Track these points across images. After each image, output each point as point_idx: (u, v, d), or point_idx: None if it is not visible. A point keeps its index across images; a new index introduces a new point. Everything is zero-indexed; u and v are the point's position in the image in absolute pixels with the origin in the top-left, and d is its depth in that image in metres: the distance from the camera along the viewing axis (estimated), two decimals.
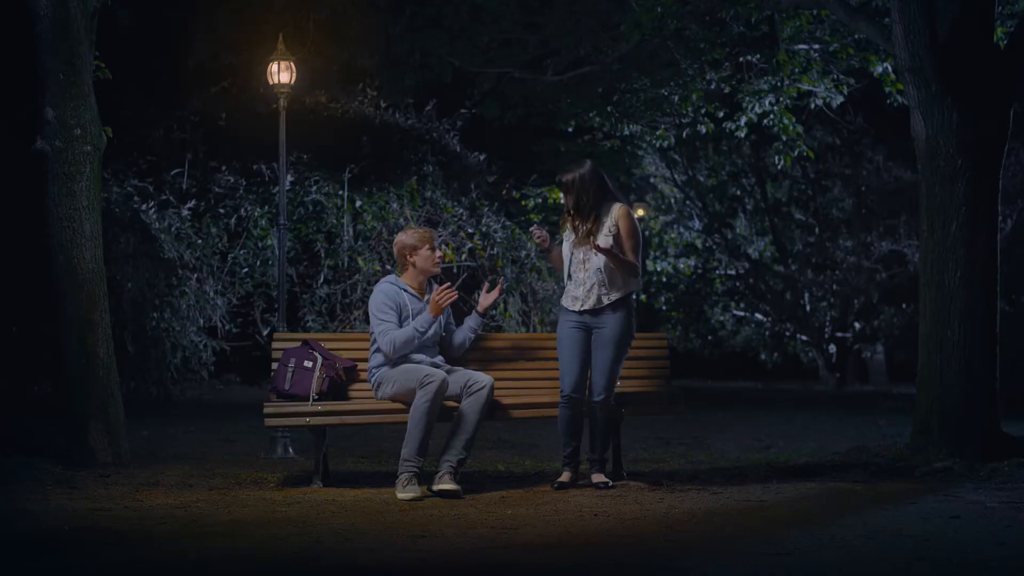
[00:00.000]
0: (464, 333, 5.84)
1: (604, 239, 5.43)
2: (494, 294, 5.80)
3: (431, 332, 5.63)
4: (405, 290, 5.69)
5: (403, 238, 5.76)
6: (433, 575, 3.60)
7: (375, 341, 5.62)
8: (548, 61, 10.55)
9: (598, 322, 5.47)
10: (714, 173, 20.36)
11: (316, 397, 5.52)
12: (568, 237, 5.61)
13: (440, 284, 5.81)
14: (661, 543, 4.06)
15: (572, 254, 5.56)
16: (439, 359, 5.71)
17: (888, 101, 10.32)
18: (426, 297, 5.72)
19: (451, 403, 5.49)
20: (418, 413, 5.34)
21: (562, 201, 5.62)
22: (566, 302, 5.56)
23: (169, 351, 10.63)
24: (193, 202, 11.45)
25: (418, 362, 5.57)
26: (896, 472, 6.08)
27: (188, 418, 9.41)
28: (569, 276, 5.55)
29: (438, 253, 5.72)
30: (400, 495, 5.23)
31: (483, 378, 5.48)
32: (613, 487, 5.51)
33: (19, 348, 10.98)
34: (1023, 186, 16.09)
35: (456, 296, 5.55)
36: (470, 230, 12.53)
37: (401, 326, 5.59)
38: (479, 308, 5.85)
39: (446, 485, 5.29)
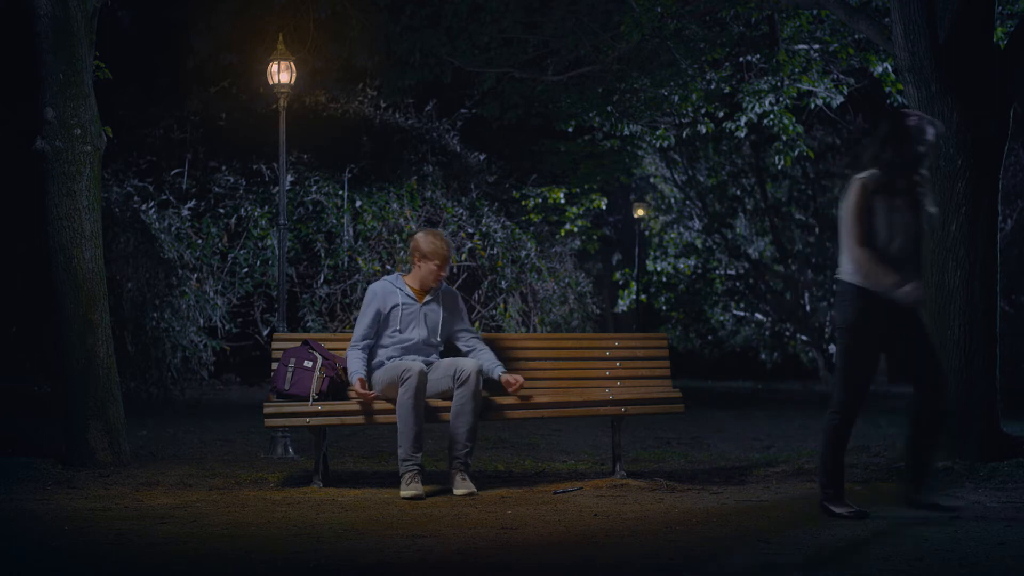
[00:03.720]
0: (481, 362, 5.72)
1: None
2: (514, 385, 5.64)
3: (416, 338, 5.64)
4: (402, 289, 5.71)
5: (419, 241, 5.72)
6: (433, 575, 3.60)
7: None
8: (548, 61, 10.55)
9: None
10: (714, 173, 20.36)
11: (316, 397, 5.52)
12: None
13: (445, 291, 5.77)
14: (661, 543, 4.06)
15: None
16: (434, 357, 5.69)
17: (888, 101, 10.32)
18: (425, 299, 5.73)
19: (446, 402, 5.51)
20: (403, 410, 5.35)
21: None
22: None
23: (169, 351, 10.63)
24: (193, 202, 11.46)
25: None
26: (896, 472, 6.07)
27: (188, 418, 9.41)
28: None
29: (443, 272, 5.69)
30: (403, 493, 5.25)
31: (468, 364, 5.48)
32: None
33: (19, 348, 10.98)
34: (1023, 186, 16.09)
35: (372, 400, 5.49)
36: (470, 230, 12.53)
37: (386, 322, 5.64)
38: (501, 377, 5.66)
39: (461, 490, 5.34)
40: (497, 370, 5.69)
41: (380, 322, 5.67)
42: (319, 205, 11.85)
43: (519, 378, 5.67)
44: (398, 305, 5.66)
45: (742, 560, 3.76)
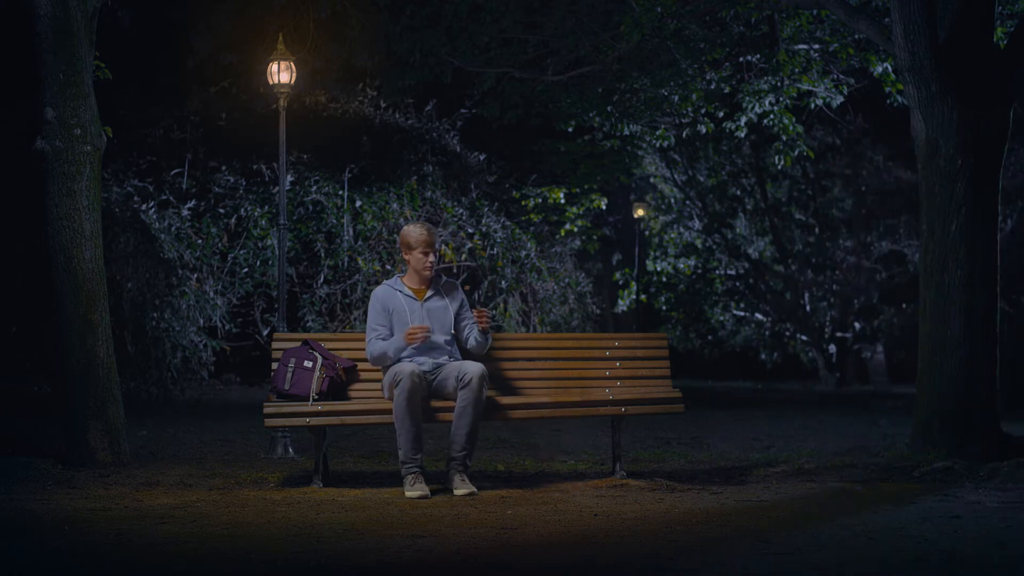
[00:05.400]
0: (473, 344, 5.77)
1: None
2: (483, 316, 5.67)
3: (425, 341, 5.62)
4: (400, 291, 5.68)
5: (403, 234, 5.73)
6: (433, 575, 3.60)
7: None
8: (548, 61, 10.56)
9: None
10: (714, 173, 20.38)
11: (316, 397, 5.52)
12: None
13: (445, 283, 5.77)
14: (661, 543, 4.06)
15: None
16: (444, 359, 5.67)
17: (888, 101, 10.33)
18: (426, 295, 5.72)
19: (449, 403, 5.50)
20: (398, 413, 5.35)
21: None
22: None
23: (169, 351, 10.63)
24: (193, 202, 11.46)
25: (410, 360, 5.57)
26: (896, 472, 6.08)
27: (188, 418, 9.41)
28: None
29: (431, 257, 5.66)
30: (408, 494, 5.26)
31: (472, 368, 5.45)
32: None
33: (19, 348, 10.98)
34: (1023, 186, 16.10)
35: (426, 336, 5.47)
36: (470, 230, 12.54)
37: (392, 327, 5.61)
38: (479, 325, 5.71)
39: (460, 490, 5.34)
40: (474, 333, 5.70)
41: (389, 320, 5.65)
42: (319, 205, 11.85)
43: (483, 311, 5.67)
44: (401, 309, 5.63)
45: (742, 560, 3.76)
